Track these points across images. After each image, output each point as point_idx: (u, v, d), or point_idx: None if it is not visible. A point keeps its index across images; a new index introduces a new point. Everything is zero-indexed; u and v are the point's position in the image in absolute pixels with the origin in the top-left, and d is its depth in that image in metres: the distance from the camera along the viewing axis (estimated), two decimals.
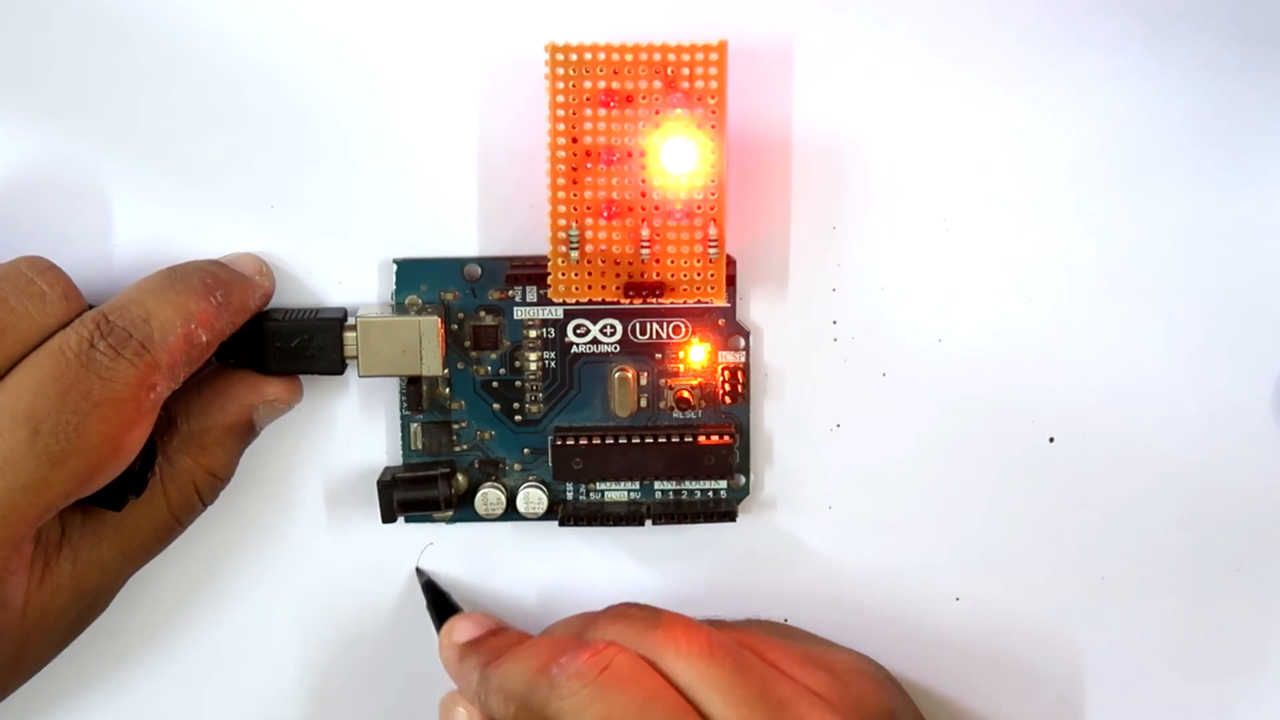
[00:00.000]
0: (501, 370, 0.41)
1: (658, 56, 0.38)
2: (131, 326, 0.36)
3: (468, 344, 0.41)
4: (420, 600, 0.43)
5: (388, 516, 0.41)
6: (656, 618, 0.38)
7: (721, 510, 0.41)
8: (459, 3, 0.40)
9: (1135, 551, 0.43)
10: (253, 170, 0.40)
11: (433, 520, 0.42)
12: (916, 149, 0.41)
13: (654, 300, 0.39)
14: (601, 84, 0.38)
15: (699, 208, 0.39)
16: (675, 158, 0.38)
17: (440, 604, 0.42)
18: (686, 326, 0.41)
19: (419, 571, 0.43)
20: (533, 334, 0.41)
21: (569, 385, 0.42)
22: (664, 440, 0.41)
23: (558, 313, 0.41)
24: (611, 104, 0.38)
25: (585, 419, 0.42)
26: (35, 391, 0.34)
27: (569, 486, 0.42)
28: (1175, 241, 0.42)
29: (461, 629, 0.40)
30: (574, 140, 0.38)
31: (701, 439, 0.41)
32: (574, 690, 0.35)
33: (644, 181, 0.39)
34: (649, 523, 0.41)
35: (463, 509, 0.42)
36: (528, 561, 0.43)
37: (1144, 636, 0.43)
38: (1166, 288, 0.42)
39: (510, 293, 0.41)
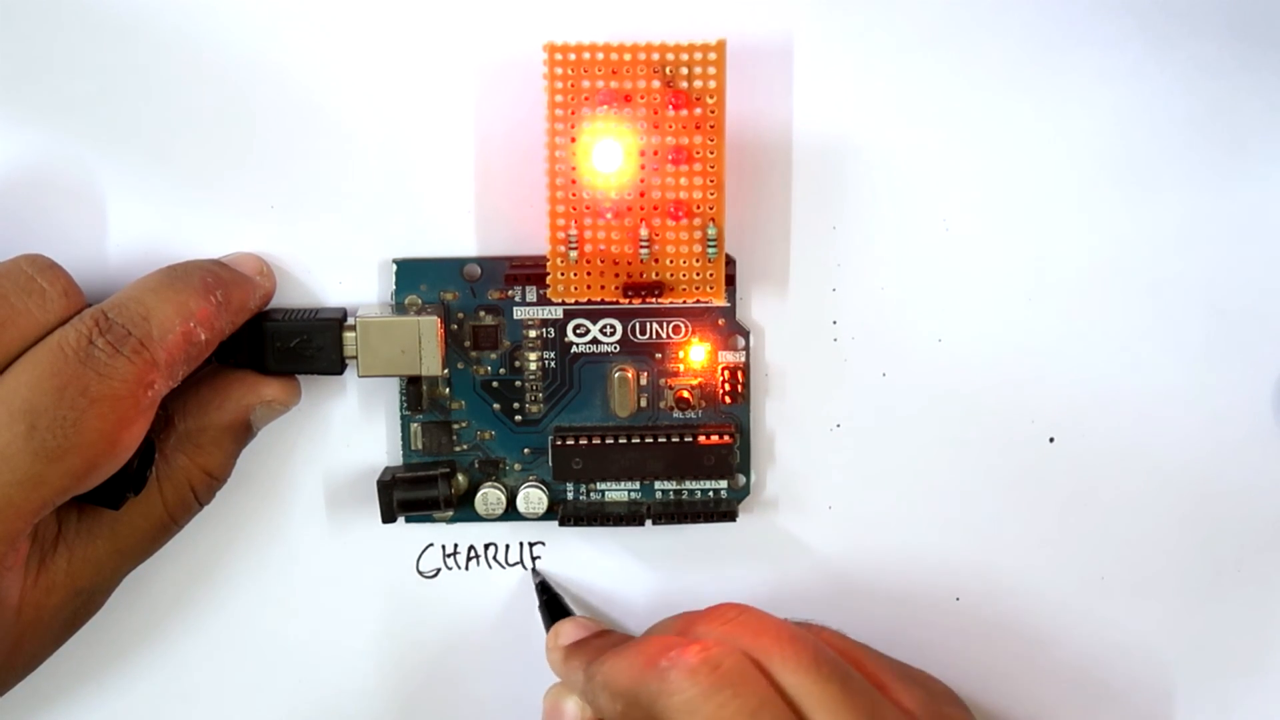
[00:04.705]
0: (501, 370, 0.41)
1: (656, 56, 0.38)
2: (130, 324, 0.36)
3: (468, 344, 0.41)
4: (419, 601, 0.43)
5: (388, 516, 0.41)
6: (762, 622, 0.37)
7: (721, 510, 0.41)
8: (458, 3, 0.40)
9: (1135, 551, 0.43)
10: (253, 170, 0.40)
11: (433, 520, 0.42)
12: (916, 149, 0.41)
13: (653, 300, 0.39)
14: (600, 84, 0.38)
15: (699, 207, 0.39)
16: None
17: (552, 605, 0.42)
18: (686, 326, 0.41)
19: (534, 571, 0.43)
20: (532, 334, 0.41)
21: (569, 385, 0.42)
22: (664, 440, 0.41)
23: (557, 313, 0.41)
24: (610, 104, 0.38)
25: (585, 419, 0.42)
26: (33, 387, 0.35)
27: (569, 486, 0.42)
28: (1175, 241, 0.42)
29: (567, 631, 0.40)
30: (573, 140, 0.38)
31: (701, 439, 0.41)
32: (684, 688, 0.35)
33: (643, 181, 0.39)
34: (649, 523, 0.41)
35: (463, 509, 0.42)
36: (528, 562, 0.43)
37: (1144, 636, 0.43)
38: (1166, 288, 0.42)
39: (510, 293, 0.41)
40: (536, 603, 0.42)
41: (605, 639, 0.40)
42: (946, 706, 0.39)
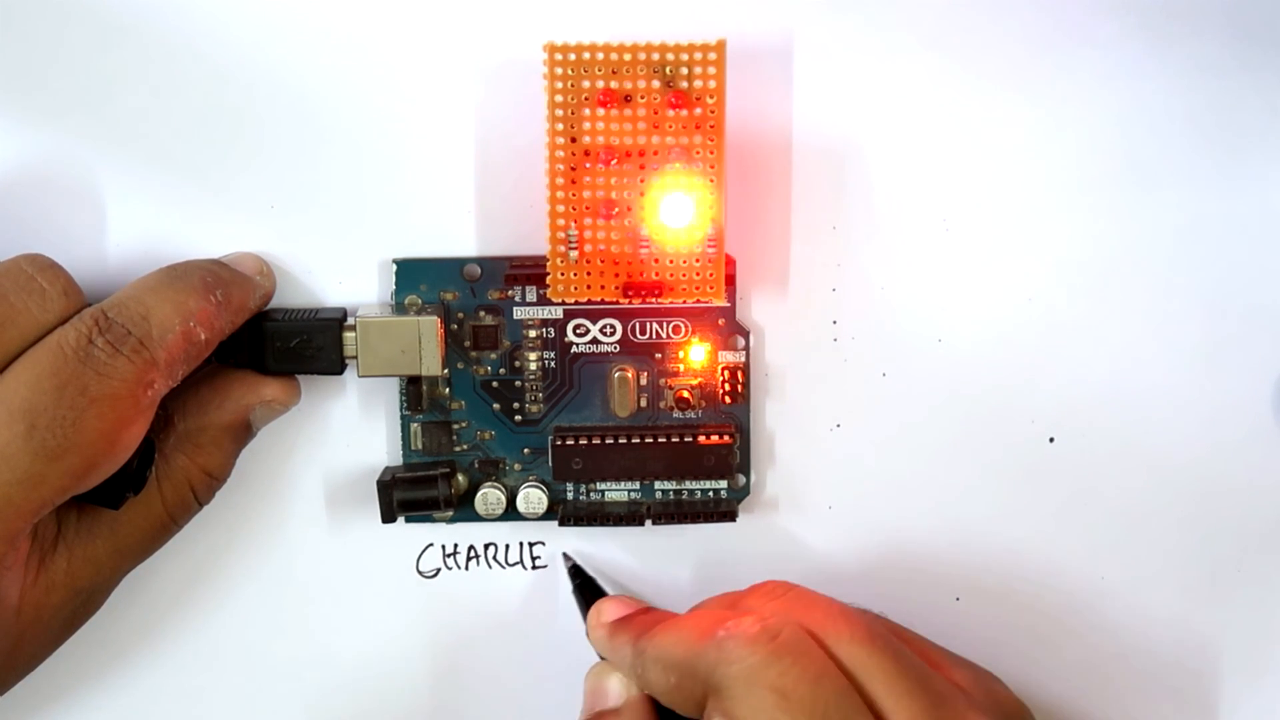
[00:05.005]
0: (501, 370, 0.41)
1: (656, 56, 0.38)
2: (130, 323, 0.36)
3: (468, 344, 0.41)
4: (419, 601, 0.43)
5: (388, 516, 0.41)
6: (812, 598, 0.37)
7: (721, 510, 0.41)
8: (458, 3, 0.40)
9: (1135, 551, 0.43)
10: (253, 170, 0.40)
11: (433, 520, 0.42)
12: (916, 149, 0.41)
13: (653, 300, 0.39)
14: (600, 84, 0.38)
15: (699, 207, 0.39)
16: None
17: (585, 588, 0.42)
18: (686, 326, 0.41)
19: (565, 556, 0.43)
20: (532, 334, 0.41)
21: (569, 385, 0.42)
22: (664, 440, 0.41)
23: (557, 313, 0.41)
24: (610, 104, 0.38)
25: (585, 419, 0.42)
26: (33, 386, 0.35)
27: (569, 486, 0.42)
28: (1175, 241, 0.42)
29: (610, 609, 0.40)
30: (573, 140, 0.38)
31: (701, 439, 0.41)
32: (743, 656, 0.35)
33: (643, 181, 0.39)
34: (649, 523, 0.41)
35: (463, 509, 0.42)
36: (528, 562, 0.43)
37: (1143, 636, 0.43)
38: (1166, 288, 0.42)
39: (510, 293, 0.41)
40: (569, 588, 0.42)
41: (651, 615, 0.39)
42: (995, 686, 0.39)
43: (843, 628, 0.36)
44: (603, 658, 0.40)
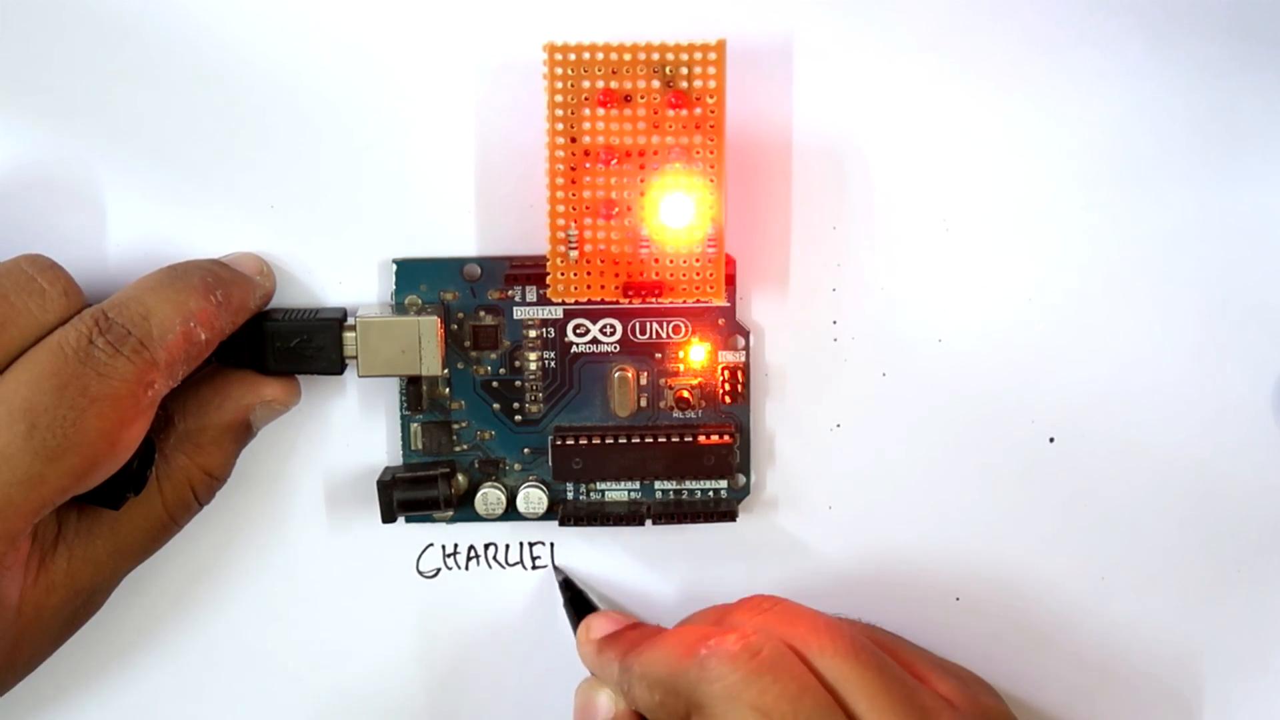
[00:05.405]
0: (501, 370, 0.41)
1: (656, 56, 0.38)
2: (130, 324, 0.36)
3: (467, 344, 0.41)
4: (418, 601, 0.43)
5: (388, 516, 0.41)
6: (797, 612, 0.38)
7: (721, 510, 0.41)
8: (458, 3, 0.40)
9: (1135, 552, 0.43)
10: (253, 170, 0.40)
11: (433, 520, 0.42)
12: (916, 149, 0.41)
13: (653, 300, 0.39)
14: (600, 84, 0.38)
15: (699, 207, 0.39)
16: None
17: (577, 601, 0.42)
18: (686, 326, 0.41)
19: (556, 569, 0.43)
20: (532, 334, 0.41)
21: (569, 385, 0.42)
22: (664, 440, 0.41)
23: (557, 312, 0.41)
24: (610, 104, 0.38)
25: (585, 419, 0.42)
26: (33, 386, 0.35)
27: (569, 486, 0.42)
28: (1175, 241, 0.42)
29: (599, 625, 0.40)
30: (573, 140, 0.38)
31: (701, 439, 0.41)
32: (724, 674, 0.35)
33: (643, 181, 0.39)
34: (649, 523, 0.41)
35: (463, 509, 0.42)
36: (528, 562, 0.43)
37: (1144, 637, 0.43)
38: (1166, 288, 0.42)
39: (510, 292, 0.41)
40: (560, 600, 0.42)
41: (639, 631, 0.40)
42: (982, 696, 0.39)
43: (825, 642, 0.36)
44: (593, 673, 0.40)
